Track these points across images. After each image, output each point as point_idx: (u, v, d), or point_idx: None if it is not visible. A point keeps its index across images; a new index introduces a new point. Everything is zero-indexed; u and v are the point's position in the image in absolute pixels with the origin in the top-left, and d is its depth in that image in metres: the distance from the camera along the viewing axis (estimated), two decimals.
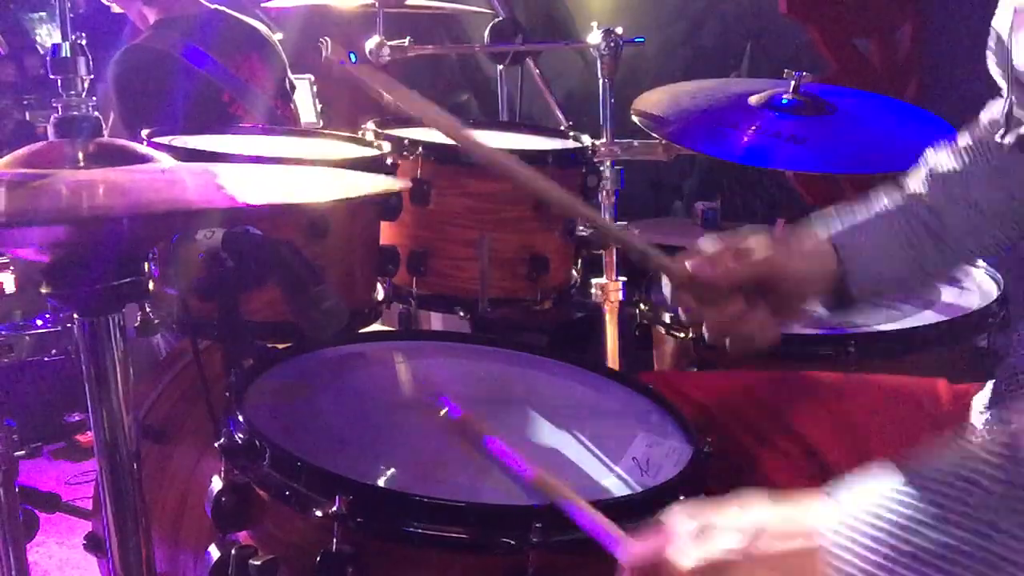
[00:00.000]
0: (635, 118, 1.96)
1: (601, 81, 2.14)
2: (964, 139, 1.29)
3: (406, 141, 1.79)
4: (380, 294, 1.78)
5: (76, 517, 2.30)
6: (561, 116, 2.56)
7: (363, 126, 1.89)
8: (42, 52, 4.40)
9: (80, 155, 1.10)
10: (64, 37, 1.17)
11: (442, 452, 1.14)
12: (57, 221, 0.89)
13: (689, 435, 1.19)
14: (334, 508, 0.95)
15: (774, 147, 1.79)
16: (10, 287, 3.56)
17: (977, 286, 1.73)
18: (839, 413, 1.28)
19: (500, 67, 2.83)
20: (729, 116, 1.88)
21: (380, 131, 1.85)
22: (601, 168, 2.04)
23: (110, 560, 1.14)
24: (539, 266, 1.82)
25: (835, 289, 1.24)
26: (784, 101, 1.89)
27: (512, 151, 1.91)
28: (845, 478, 0.82)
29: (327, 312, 1.30)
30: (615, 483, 1.09)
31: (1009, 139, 1.15)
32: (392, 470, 1.08)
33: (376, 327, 1.81)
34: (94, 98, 1.19)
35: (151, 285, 1.08)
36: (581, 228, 2.01)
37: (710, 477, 1.12)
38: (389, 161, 1.72)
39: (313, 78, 3.71)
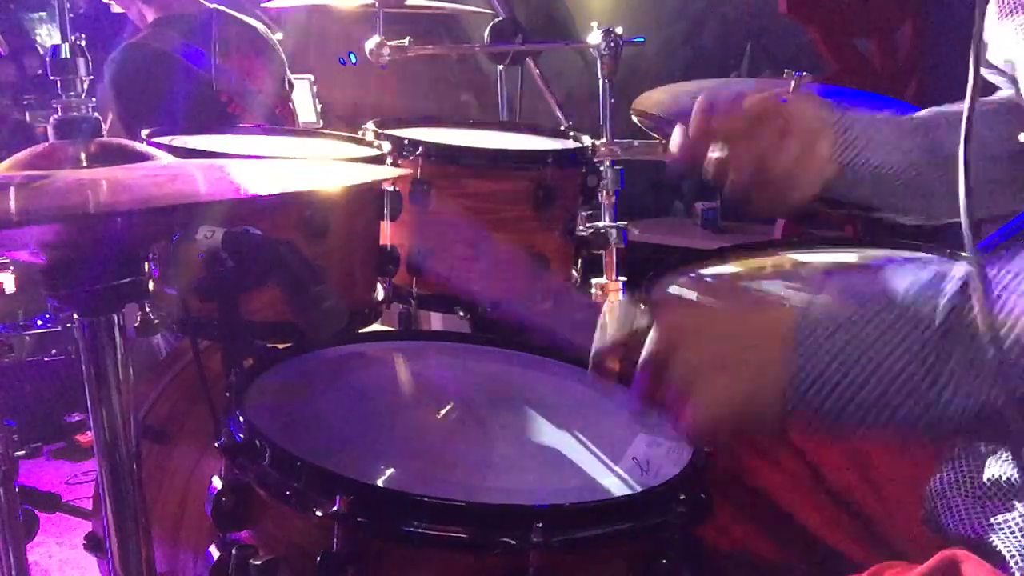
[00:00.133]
0: (635, 118, 1.96)
1: (601, 81, 2.14)
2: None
3: (406, 141, 1.79)
4: (380, 294, 1.78)
5: (76, 517, 2.30)
6: (561, 116, 2.56)
7: (363, 126, 1.89)
8: (42, 52, 4.40)
9: (82, 155, 1.10)
10: (64, 37, 1.17)
11: (442, 452, 1.14)
12: (63, 219, 0.89)
13: None
14: (334, 508, 0.95)
15: None
16: (10, 287, 3.56)
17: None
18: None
19: (500, 67, 2.83)
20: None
21: (380, 131, 1.85)
22: (601, 168, 2.04)
23: (110, 560, 1.14)
24: (539, 266, 1.82)
25: (834, 144, 1.21)
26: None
27: (512, 151, 1.91)
28: (841, 486, 0.84)
29: (327, 312, 1.30)
30: (615, 483, 1.09)
31: None
32: (392, 470, 1.08)
33: (376, 327, 1.81)
34: (93, 99, 1.19)
35: (151, 285, 1.08)
36: (581, 228, 2.01)
37: (709, 483, 1.12)
38: (389, 161, 1.73)
39: (313, 78, 3.71)
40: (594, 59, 2.14)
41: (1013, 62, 1.05)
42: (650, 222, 4.21)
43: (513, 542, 0.94)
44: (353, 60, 4.79)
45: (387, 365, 1.41)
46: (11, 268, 3.56)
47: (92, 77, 1.19)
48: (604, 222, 2.12)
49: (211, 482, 1.10)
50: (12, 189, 0.88)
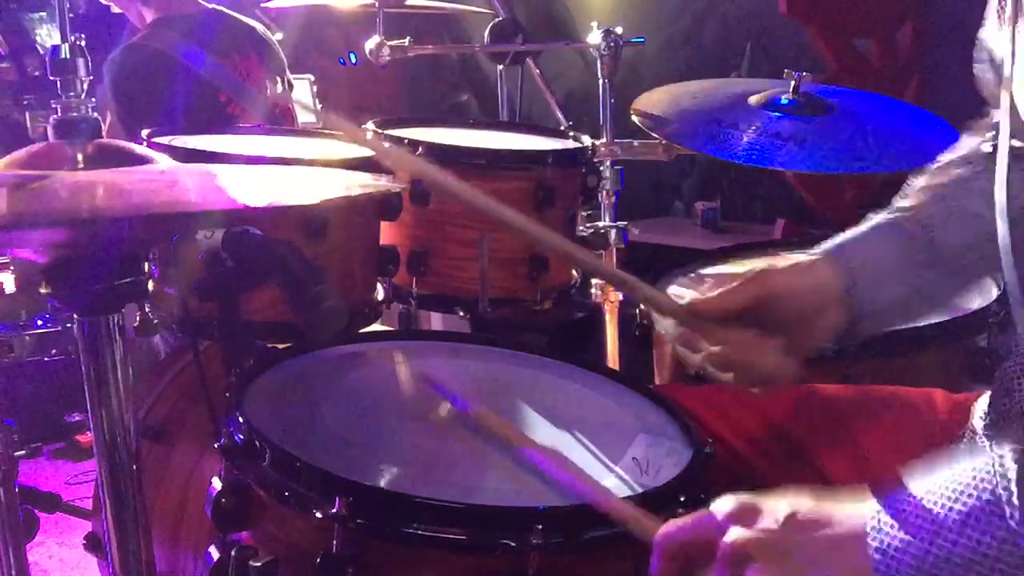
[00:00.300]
0: (635, 118, 1.96)
1: (601, 81, 2.14)
2: (962, 149, 1.22)
3: (406, 141, 1.79)
4: (380, 294, 1.78)
5: (76, 517, 2.30)
6: (561, 116, 2.56)
7: (363, 126, 1.89)
8: (42, 52, 4.40)
9: (79, 156, 1.10)
10: (63, 37, 1.17)
11: (442, 453, 1.14)
12: (56, 223, 0.89)
13: (689, 435, 1.19)
14: (334, 509, 0.95)
15: (774, 147, 1.79)
16: (10, 287, 3.56)
17: (977, 286, 1.73)
18: (840, 426, 1.27)
19: (500, 67, 2.83)
20: (729, 116, 1.88)
21: (380, 131, 1.85)
22: (601, 168, 2.04)
23: (110, 560, 1.14)
24: (539, 266, 1.82)
25: (843, 302, 1.14)
26: (784, 101, 1.89)
27: (512, 151, 1.91)
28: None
29: (327, 312, 1.30)
30: (615, 483, 1.09)
31: None
32: (392, 471, 1.08)
33: (376, 327, 1.81)
34: (93, 99, 1.19)
35: (151, 285, 1.08)
36: (581, 228, 2.01)
37: (712, 487, 1.11)
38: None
39: (313, 78, 3.71)
40: (594, 59, 2.14)
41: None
42: (650, 222, 4.21)
43: (513, 543, 0.94)
44: (353, 60, 4.79)
45: (387, 365, 1.41)
46: (11, 268, 3.56)
47: (92, 77, 1.19)
48: (604, 222, 2.13)
49: (211, 483, 1.10)
50: (4, 190, 0.88)
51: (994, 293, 1.70)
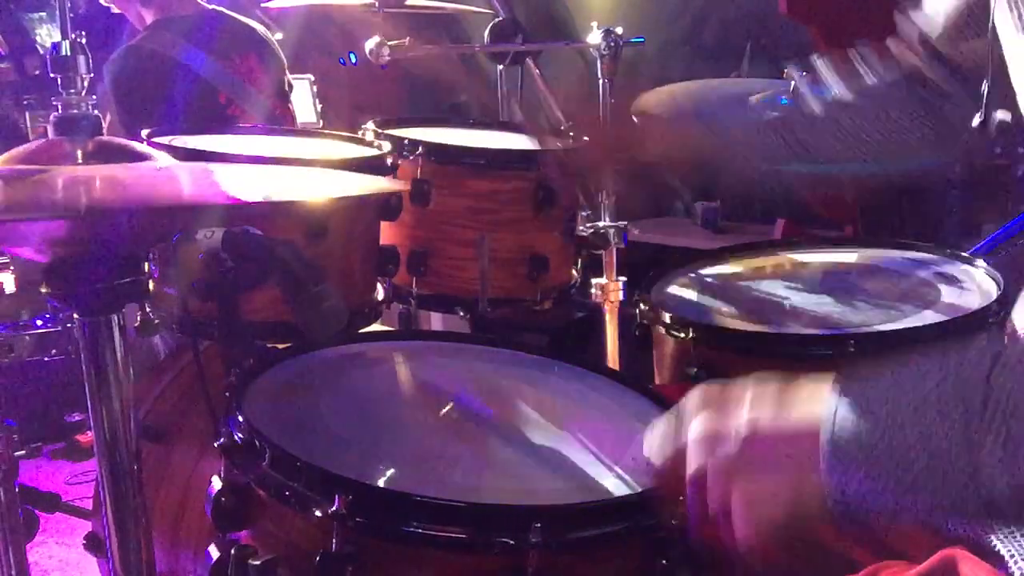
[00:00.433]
0: (635, 118, 1.96)
1: (601, 81, 2.14)
2: None
3: (406, 141, 1.79)
4: (380, 294, 1.78)
5: (76, 517, 2.30)
6: (561, 116, 2.56)
7: (363, 126, 1.89)
8: (42, 52, 4.40)
9: (79, 153, 1.10)
10: (64, 37, 1.17)
11: (442, 452, 1.14)
12: (53, 216, 0.89)
13: None
14: (334, 508, 0.95)
15: None
16: (10, 287, 3.56)
17: (977, 286, 1.73)
18: None
19: (500, 67, 2.83)
20: (729, 116, 1.88)
21: (380, 131, 1.85)
22: None
23: (110, 560, 1.14)
24: (539, 266, 1.82)
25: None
26: (784, 101, 1.89)
27: (512, 151, 1.91)
28: None
29: (327, 312, 1.30)
30: (615, 483, 1.09)
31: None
32: (392, 470, 1.08)
33: (376, 327, 1.81)
34: (93, 97, 1.19)
35: (151, 285, 1.08)
36: (581, 228, 2.01)
37: None
38: (389, 161, 1.72)
39: (313, 78, 3.71)
40: (594, 59, 2.14)
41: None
42: (650, 222, 4.21)
43: (512, 542, 0.94)
44: (353, 60, 4.79)
45: (387, 365, 1.41)
46: (11, 268, 3.56)
47: (92, 75, 1.19)
48: (604, 222, 2.13)
49: (211, 482, 1.10)
50: (1, 183, 0.88)
51: (994, 293, 1.70)
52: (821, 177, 1.51)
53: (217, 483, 1.09)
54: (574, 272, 1.99)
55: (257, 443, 1.05)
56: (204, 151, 1.67)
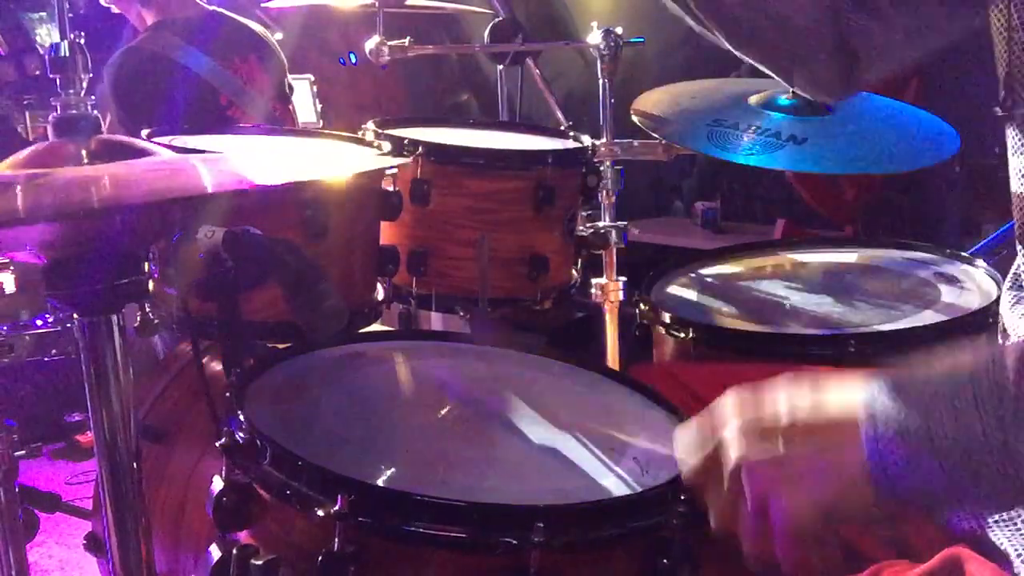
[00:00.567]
0: (635, 118, 1.96)
1: (601, 81, 2.14)
2: None
3: (406, 141, 1.79)
4: (380, 294, 1.78)
5: (76, 517, 2.30)
6: (561, 116, 2.56)
7: (363, 126, 1.89)
8: (42, 52, 4.40)
9: (83, 153, 1.10)
10: (63, 37, 1.17)
11: (443, 451, 1.14)
12: (69, 216, 0.89)
13: None
14: (335, 507, 0.95)
15: (774, 147, 1.79)
16: (10, 287, 3.56)
17: (977, 286, 1.73)
18: None
19: (500, 67, 2.83)
20: (729, 116, 1.88)
21: (380, 131, 1.85)
22: (601, 168, 2.04)
23: (110, 560, 1.14)
24: (539, 266, 1.82)
25: None
26: (784, 101, 1.89)
27: (512, 151, 1.91)
28: None
29: (327, 312, 1.30)
30: (615, 483, 1.09)
31: None
32: (393, 469, 1.08)
33: (376, 327, 1.81)
34: (92, 97, 1.18)
35: (151, 285, 1.08)
36: (581, 228, 2.01)
37: None
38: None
39: (313, 78, 3.71)
40: (594, 59, 2.14)
41: None
42: (650, 222, 4.21)
43: (514, 542, 0.94)
44: (353, 60, 4.79)
45: (387, 365, 1.41)
46: (11, 268, 3.56)
47: (91, 75, 1.19)
48: (604, 222, 2.13)
49: (212, 482, 1.10)
50: (19, 186, 0.88)
51: (994, 293, 1.70)
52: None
53: (218, 483, 1.09)
54: (574, 272, 1.98)
55: (258, 443, 1.05)
56: (204, 151, 1.67)
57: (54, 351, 3.72)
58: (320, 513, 0.96)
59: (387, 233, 1.79)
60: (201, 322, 1.49)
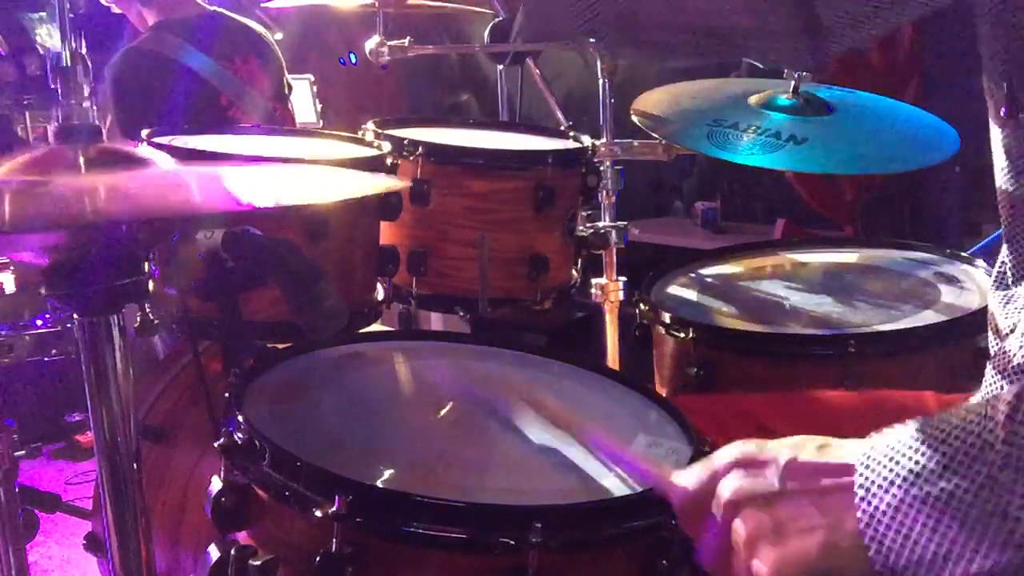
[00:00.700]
0: (635, 118, 1.96)
1: (601, 81, 2.14)
2: None
3: (406, 141, 1.79)
4: (380, 294, 1.78)
5: (76, 517, 2.30)
6: (561, 116, 2.57)
7: (363, 126, 1.89)
8: (42, 52, 4.40)
9: (81, 160, 1.10)
10: (63, 37, 1.17)
11: (442, 452, 1.14)
12: (60, 227, 0.89)
13: (689, 435, 1.19)
14: (334, 508, 0.95)
15: (774, 147, 1.79)
16: (10, 287, 3.56)
17: (977, 286, 1.73)
18: (835, 432, 1.27)
19: (500, 67, 2.84)
20: (729, 116, 1.88)
21: (380, 131, 1.85)
22: (601, 168, 2.04)
23: (110, 560, 1.14)
24: (539, 266, 1.82)
25: None
26: (784, 101, 1.90)
27: (512, 151, 1.91)
28: None
29: (327, 312, 1.30)
30: (615, 483, 1.08)
31: None
32: (392, 470, 1.08)
33: (376, 327, 1.81)
34: (94, 106, 1.18)
35: (151, 285, 1.08)
36: (581, 228, 2.01)
37: None
38: (389, 161, 1.72)
39: (313, 78, 3.71)
40: (594, 59, 2.14)
41: None
42: (650, 222, 4.21)
43: (512, 542, 0.94)
44: (353, 60, 4.79)
45: (387, 365, 1.41)
46: (11, 268, 3.56)
47: (93, 82, 1.19)
48: (604, 222, 2.13)
49: (211, 482, 1.10)
50: (8, 196, 0.88)
51: None
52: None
53: (217, 483, 1.09)
54: (574, 272, 1.99)
55: (257, 443, 1.05)
56: (204, 151, 1.67)
57: (54, 351, 3.71)
58: (318, 514, 0.96)
59: (387, 233, 1.79)
60: (201, 322, 1.49)
